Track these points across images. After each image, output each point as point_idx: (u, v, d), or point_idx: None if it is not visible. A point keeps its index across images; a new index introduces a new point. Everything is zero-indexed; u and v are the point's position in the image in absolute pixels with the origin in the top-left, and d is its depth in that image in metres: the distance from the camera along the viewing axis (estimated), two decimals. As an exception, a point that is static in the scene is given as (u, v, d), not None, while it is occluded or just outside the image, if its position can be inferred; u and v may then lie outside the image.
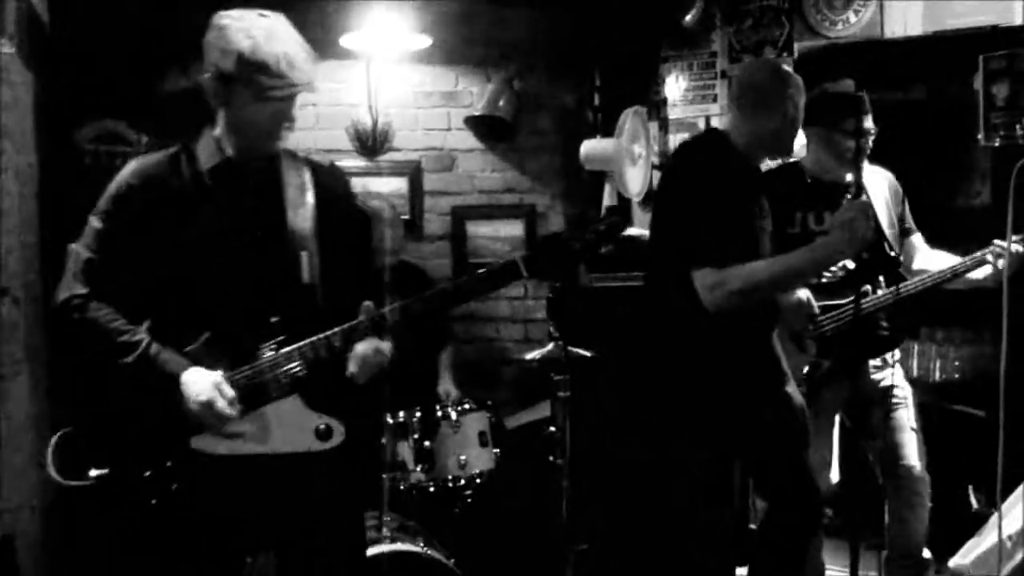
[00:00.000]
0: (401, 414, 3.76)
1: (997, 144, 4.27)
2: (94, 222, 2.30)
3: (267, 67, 2.18)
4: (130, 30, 3.99)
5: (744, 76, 3.23)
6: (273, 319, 2.25)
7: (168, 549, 2.25)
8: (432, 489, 3.73)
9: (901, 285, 3.44)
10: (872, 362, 3.52)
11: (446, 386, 4.45)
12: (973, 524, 3.67)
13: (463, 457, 3.76)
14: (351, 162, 5.12)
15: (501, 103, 5.07)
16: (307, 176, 2.39)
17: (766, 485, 3.15)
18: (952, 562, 3.61)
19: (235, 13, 2.25)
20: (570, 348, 3.74)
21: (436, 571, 3.31)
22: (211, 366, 2.23)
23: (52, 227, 3.74)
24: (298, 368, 2.24)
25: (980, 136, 4.29)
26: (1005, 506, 2.81)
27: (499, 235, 5.22)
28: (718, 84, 4.73)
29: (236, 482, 2.27)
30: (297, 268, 2.29)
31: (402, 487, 3.68)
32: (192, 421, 2.21)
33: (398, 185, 5.15)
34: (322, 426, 2.27)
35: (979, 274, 3.45)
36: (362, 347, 2.27)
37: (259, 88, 2.19)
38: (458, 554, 3.47)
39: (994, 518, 3.38)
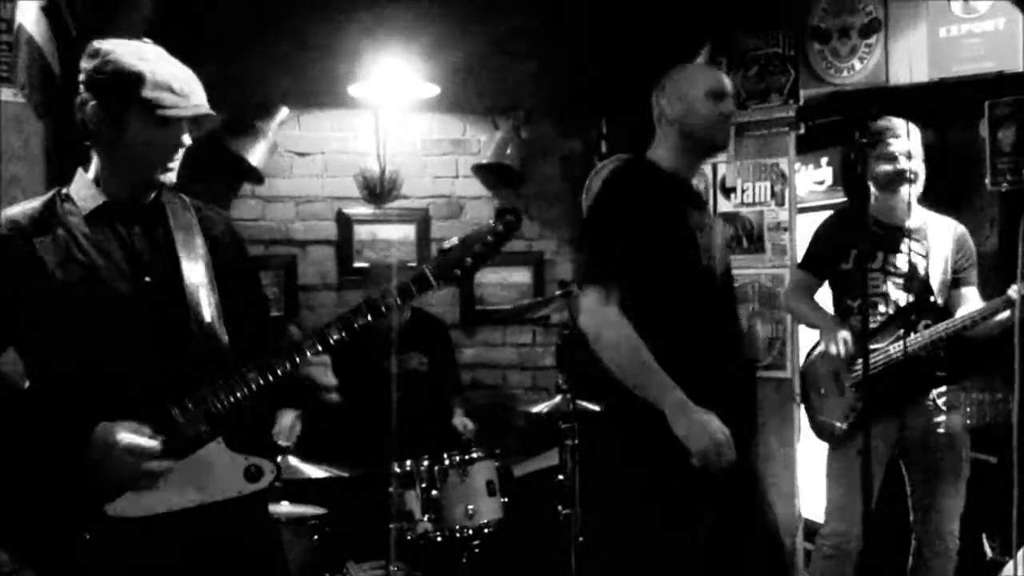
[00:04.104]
0: (408, 463, 3.74)
1: (1004, 189, 4.27)
2: None
3: (170, 87, 2.09)
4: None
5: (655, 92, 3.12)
6: (180, 364, 2.11)
7: None
8: (439, 539, 3.70)
9: (923, 333, 3.46)
10: (927, 405, 3.55)
11: (461, 418, 4.45)
12: (988, 572, 3.63)
13: (471, 507, 3.73)
14: (359, 209, 5.14)
15: (509, 151, 5.10)
16: (191, 214, 2.26)
17: None
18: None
19: (115, 40, 2.14)
20: (578, 401, 3.74)
21: (443, 622, 3.28)
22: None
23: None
24: (218, 410, 2.10)
25: (987, 181, 4.29)
26: (1021, 554, 2.77)
27: (507, 282, 5.22)
28: (724, 131, 4.75)
29: (167, 543, 2.08)
30: (198, 310, 2.15)
31: (409, 537, 3.65)
32: (106, 483, 2.03)
33: (406, 232, 5.17)
34: (252, 467, 2.13)
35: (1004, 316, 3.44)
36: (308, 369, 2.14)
37: (160, 108, 2.08)
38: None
39: (1008, 568, 3.34)
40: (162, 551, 2.08)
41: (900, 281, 3.62)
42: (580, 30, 5.10)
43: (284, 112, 4.97)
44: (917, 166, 3.61)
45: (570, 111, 5.31)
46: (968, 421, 3.68)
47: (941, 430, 3.56)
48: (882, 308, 3.61)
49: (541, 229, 5.30)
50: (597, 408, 3.78)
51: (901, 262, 3.62)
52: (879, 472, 3.53)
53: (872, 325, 3.51)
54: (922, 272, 3.60)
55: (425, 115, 5.20)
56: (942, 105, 4.39)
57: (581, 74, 5.21)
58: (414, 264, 5.02)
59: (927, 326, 3.52)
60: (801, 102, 4.55)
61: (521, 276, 5.23)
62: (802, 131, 4.60)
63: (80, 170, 2.19)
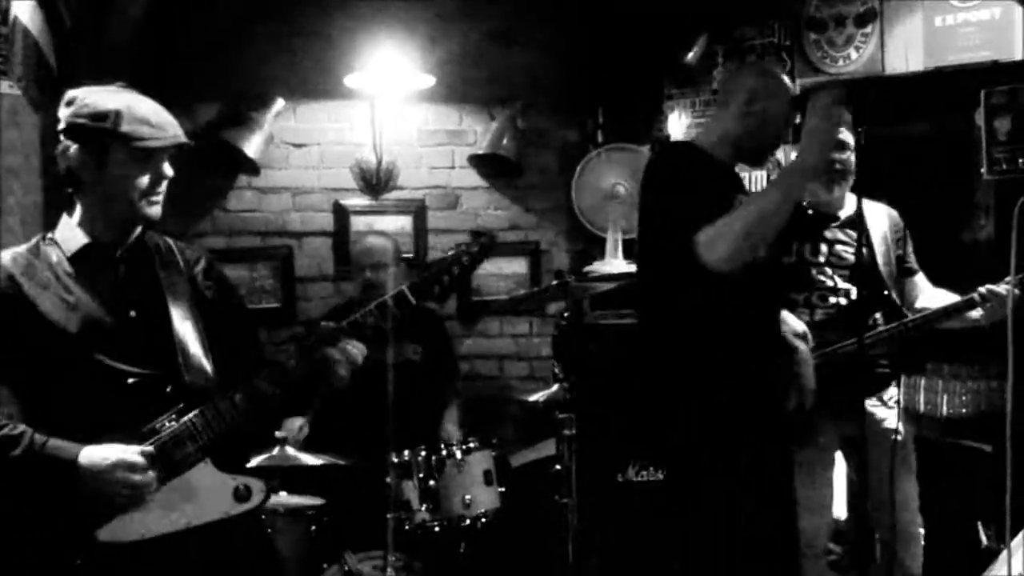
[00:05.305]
0: (406, 453, 3.74)
1: (999, 178, 4.28)
2: None
3: (147, 120, 2.17)
4: (132, 75, 4.03)
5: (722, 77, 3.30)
6: (167, 390, 2.17)
7: None
8: (437, 529, 3.70)
9: (906, 320, 3.43)
10: (870, 400, 3.50)
11: (449, 429, 4.42)
12: (983, 560, 3.64)
13: (468, 496, 3.73)
14: (356, 200, 5.14)
15: (505, 141, 5.10)
16: (174, 252, 2.34)
17: None
18: (962, 599, 3.57)
19: (89, 87, 2.23)
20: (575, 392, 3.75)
21: (441, 611, 3.29)
22: None
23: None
24: (205, 433, 2.15)
25: (983, 170, 4.30)
26: (1014, 544, 2.78)
27: (503, 272, 5.22)
28: (720, 121, 4.75)
29: (158, 566, 2.11)
30: (183, 341, 2.22)
31: (407, 527, 3.65)
32: (97, 506, 2.06)
33: (402, 223, 5.17)
34: (241, 487, 2.18)
35: (975, 313, 3.42)
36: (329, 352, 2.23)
37: (139, 141, 2.15)
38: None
39: (1003, 556, 3.34)
40: (154, 574, 2.12)
41: (846, 272, 3.55)
42: (577, 20, 5.10)
43: (280, 103, 4.97)
44: (850, 158, 3.46)
45: (567, 101, 5.31)
46: (954, 411, 3.66)
47: (888, 425, 3.53)
48: (832, 300, 3.53)
49: (538, 219, 5.30)
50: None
51: (845, 253, 3.56)
52: (829, 463, 3.51)
53: (822, 319, 3.47)
54: (866, 260, 3.53)
55: (421, 106, 5.19)
56: (938, 94, 4.40)
57: (578, 64, 5.21)
58: (410, 255, 5.02)
59: (885, 319, 3.48)
60: (797, 91, 4.55)
61: (517, 266, 5.23)
62: (798, 120, 4.60)
63: (64, 215, 2.27)
